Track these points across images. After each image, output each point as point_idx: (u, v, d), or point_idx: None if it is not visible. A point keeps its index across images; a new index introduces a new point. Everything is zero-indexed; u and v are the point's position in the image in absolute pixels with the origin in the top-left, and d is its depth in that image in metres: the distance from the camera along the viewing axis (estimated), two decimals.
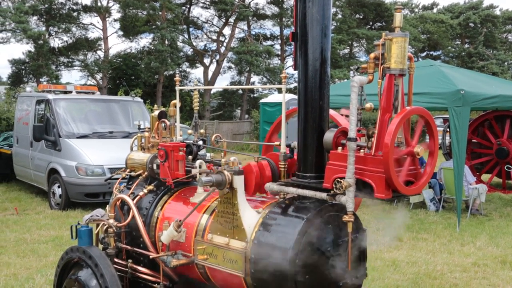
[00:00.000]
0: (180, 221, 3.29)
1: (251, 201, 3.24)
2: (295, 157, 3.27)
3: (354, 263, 2.91)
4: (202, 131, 4.06)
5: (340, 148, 2.81)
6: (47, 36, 29.49)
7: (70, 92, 11.79)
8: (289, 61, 38.36)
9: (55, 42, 31.82)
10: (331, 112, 3.22)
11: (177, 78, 3.92)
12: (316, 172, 2.98)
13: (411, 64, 2.77)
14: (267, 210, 3.09)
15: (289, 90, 26.54)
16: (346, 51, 39.04)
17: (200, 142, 4.04)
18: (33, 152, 11.17)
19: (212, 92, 36.72)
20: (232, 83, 39.01)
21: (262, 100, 17.51)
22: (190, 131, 4.11)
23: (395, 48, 2.62)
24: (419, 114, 2.73)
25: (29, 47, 29.99)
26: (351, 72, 34.73)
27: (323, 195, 2.82)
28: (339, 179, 2.69)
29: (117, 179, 4.24)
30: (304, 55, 2.95)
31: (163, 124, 4.01)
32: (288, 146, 3.35)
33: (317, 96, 2.95)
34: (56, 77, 29.49)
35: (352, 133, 2.62)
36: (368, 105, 2.78)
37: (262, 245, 2.91)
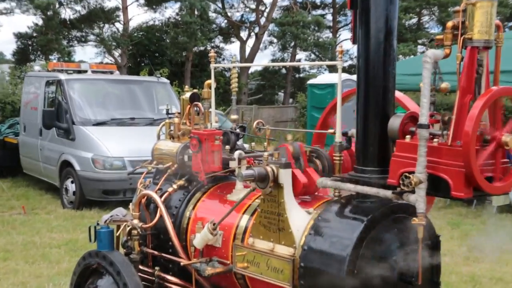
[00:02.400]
0: (215, 222, 3.35)
1: (300, 199, 3.26)
2: (353, 147, 3.28)
3: (424, 276, 2.89)
4: (234, 117, 4.10)
5: (408, 137, 2.80)
6: (57, 6, 30.10)
7: (85, 71, 12.08)
8: (343, 34, 38.04)
9: (66, 13, 32.49)
10: (397, 94, 3.21)
11: (212, 54, 3.97)
12: (379, 165, 2.98)
13: (499, 35, 2.72)
14: (319, 211, 3.11)
15: (343, 69, 26.36)
16: (414, 20, 38.34)
17: (238, 130, 4.10)
18: (43, 142, 11.50)
19: (250, 71, 36.86)
20: (273, 61, 39.00)
21: (310, 81, 17.47)
22: (234, 117, 4.16)
23: (479, 14, 2.58)
24: (508, 96, 2.69)
25: (37, 19, 30.73)
26: (420, 46, 34.14)
27: (388, 193, 2.82)
28: (407, 174, 2.68)
29: (141, 173, 4.34)
30: (365, 25, 2.94)
31: (196, 109, 4.07)
32: (344, 134, 3.36)
33: (380, 75, 2.94)
34: (68, 54, 30.16)
35: (423, 119, 2.60)
36: (443, 85, 2.75)
37: (313, 252, 2.94)
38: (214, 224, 3.35)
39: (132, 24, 33.50)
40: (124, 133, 10.59)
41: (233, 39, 37.55)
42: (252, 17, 36.37)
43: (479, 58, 2.64)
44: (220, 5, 35.41)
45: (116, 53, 32.51)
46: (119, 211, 4.20)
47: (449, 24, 2.66)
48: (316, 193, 3.41)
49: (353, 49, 34.63)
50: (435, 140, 2.69)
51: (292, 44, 34.67)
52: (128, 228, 3.95)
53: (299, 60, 38.73)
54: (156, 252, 3.91)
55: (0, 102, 15.70)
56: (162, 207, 3.80)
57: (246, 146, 4.13)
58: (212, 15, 33.09)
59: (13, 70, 20.70)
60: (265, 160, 3.13)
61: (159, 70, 17.94)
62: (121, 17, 32.61)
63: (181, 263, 3.65)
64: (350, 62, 34.57)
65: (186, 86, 4.58)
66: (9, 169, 13.26)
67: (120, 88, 11.92)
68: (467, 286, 6.45)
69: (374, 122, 2.97)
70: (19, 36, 31.47)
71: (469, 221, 9.53)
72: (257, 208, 3.29)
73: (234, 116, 4.15)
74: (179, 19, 32.42)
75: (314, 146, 3.54)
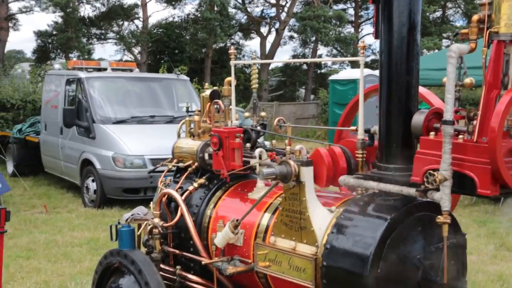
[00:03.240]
0: (237, 220, 3.37)
1: (322, 197, 3.27)
2: (376, 144, 3.27)
3: (450, 275, 2.88)
4: (263, 114, 4.11)
5: (432, 133, 2.79)
6: (76, 3, 30.40)
7: (105, 69, 12.19)
8: (365, 29, 37.81)
9: (86, 11, 32.86)
10: (421, 89, 3.19)
11: (232, 50, 3.97)
12: (402, 162, 2.97)
13: None
14: (342, 209, 3.11)
15: (365, 65, 26.22)
16: (438, 13, 37.97)
17: (259, 128, 4.10)
18: (63, 140, 11.64)
19: (270, 67, 36.88)
20: (294, 57, 38.99)
21: (332, 77, 17.41)
22: (247, 114, 4.17)
23: (507, 7, 2.55)
24: None
25: (56, 17, 31.06)
26: (444, 40, 33.80)
27: (411, 191, 2.81)
28: (431, 172, 2.67)
29: (161, 171, 4.38)
30: (388, 19, 2.93)
31: (216, 106, 4.09)
32: (367, 131, 3.35)
33: (403, 70, 2.93)
34: (88, 52, 30.44)
35: (448, 115, 2.59)
36: (468, 80, 2.73)
37: (335, 251, 2.94)
38: (235, 223, 3.36)
39: (151, 21, 33.75)
40: (144, 131, 10.68)
41: (253, 35, 37.58)
42: (273, 12, 36.39)
43: (505, 52, 2.61)
44: (240, 0, 35.47)
45: (136, 50, 32.75)
46: (140, 210, 4.23)
47: (475, 17, 2.63)
48: (340, 191, 3.41)
49: (376, 44, 34.51)
50: (460, 136, 2.67)
51: (313, 39, 34.56)
52: (149, 227, 3.98)
53: (321, 56, 38.65)
54: (177, 251, 3.94)
55: (21, 101, 15.91)
56: (183, 206, 3.83)
57: (267, 143, 4.12)
58: (231, 10, 33.12)
59: (33, 69, 20.97)
60: (287, 153, 3.15)
61: (178, 67, 18.03)
62: (140, 14, 32.85)
63: (202, 262, 3.67)
64: (372, 57, 34.41)
65: (206, 84, 4.60)
66: (30, 168, 13.43)
67: (139, 85, 12.01)
68: (494, 285, 6.38)
69: (397, 118, 2.96)
70: (39, 34, 31.83)
71: (496, 218, 9.43)
72: (279, 206, 3.30)
73: (263, 113, 4.17)
74: (199, 15, 32.53)
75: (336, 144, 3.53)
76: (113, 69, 12.28)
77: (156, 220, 3.96)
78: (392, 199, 3.01)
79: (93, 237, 8.25)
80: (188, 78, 12.89)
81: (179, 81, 12.33)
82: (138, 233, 4.09)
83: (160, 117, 11.20)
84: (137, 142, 10.23)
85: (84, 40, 31.56)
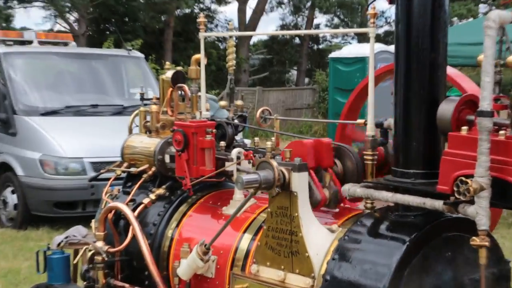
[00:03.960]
0: (205, 246, 3.37)
1: (319, 213, 3.29)
2: (391, 143, 3.31)
3: None
4: (241, 102, 4.12)
5: (465, 128, 2.81)
6: None
7: (30, 42, 12.04)
8: None
9: None
10: (450, 70, 3.23)
11: (201, 19, 3.98)
12: (425, 167, 3.00)
13: None
14: (346, 228, 3.13)
15: (377, 38, 26.32)
16: None
17: (237, 121, 4.13)
18: None
19: (252, 42, 36.85)
20: (283, 28, 38.97)
21: (333, 55, 17.45)
22: (222, 103, 4.18)
23: None
24: None
25: None
26: (482, 5, 34.02)
27: (437, 204, 2.83)
28: (463, 179, 2.68)
29: (107, 179, 4.36)
30: None
31: (180, 93, 4.09)
32: (379, 126, 3.38)
33: (427, 45, 2.96)
34: (6, 19, 30.12)
35: (486, 104, 2.61)
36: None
37: (337, 284, 2.95)
38: (205, 247, 3.37)
39: None
40: (84, 125, 10.61)
41: None
42: None
43: None
44: None
45: (72, 18, 32.45)
46: (77, 231, 4.22)
47: None
48: (342, 205, 3.43)
49: (391, 11, 34.60)
50: (501, 132, 2.69)
51: (309, 4, 34.62)
52: (89, 253, 3.96)
53: (318, 27, 38.70)
54: (127, 285, 3.92)
55: None
56: (135, 225, 3.81)
57: (247, 142, 4.15)
58: None
59: None
60: (268, 152, 3.14)
61: (130, 41, 17.93)
62: None
63: None
64: (386, 28, 34.53)
65: (167, 63, 4.60)
66: None
67: (77, 65, 11.93)
68: None
69: (419, 108, 2.99)
70: None
71: None
72: (263, 224, 3.31)
73: (239, 102, 4.17)
74: None
75: (337, 142, 3.55)
76: (41, 42, 12.14)
77: (99, 244, 3.94)
78: (411, 215, 3.04)
79: (12, 268, 8.14)
80: (143, 55, 12.85)
81: (131, 59, 12.27)
82: (75, 261, 4.08)
83: (105, 106, 11.14)
84: (74, 141, 10.16)
85: (1, 2, 31.23)
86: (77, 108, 11.03)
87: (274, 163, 3.08)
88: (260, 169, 3.12)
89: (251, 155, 3.78)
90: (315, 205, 3.22)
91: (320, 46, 38.68)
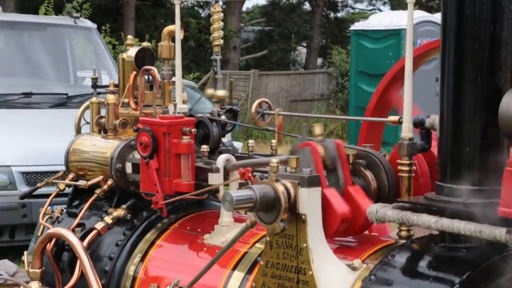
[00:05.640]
0: (182, 287, 3.37)
1: (335, 242, 3.32)
2: (435, 148, 3.31)
3: None
4: (223, 92, 4.15)
5: None
6: None
7: None
8: None
9: None
10: None
11: None
12: (482, 181, 3.00)
13: None
14: (372, 264, 3.14)
15: (417, 3, 26.31)
16: None
17: (224, 117, 4.14)
18: None
19: (245, 8, 36.84)
20: None
21: (356, 26, 17.56)
22: (220, 92, 4.20)
23: None
24: None
25: None
26: None
27: (499, 233, 2.83)
28: None
29: (45, 196, 4.35)
30: None
31: (146, 78, 4.10)
32: (419, 124, 3.38)
33: (486, 14, 2.95)
34: None
35: None
36: None
37: None
38: None
39: None
40: (13, 122, 10.59)
41: None
42: None
43: None
44: None
45: None
46: (2, 266, 4.21)
47: None
48: (367, 232, 3.43)
49: None
50: None
51: None
52: None
53: None
54: None
55: None
56: (84, 259, 3.78)
57: (238, 145, 4.14)
58: None
59: None
60: (273, 172, 3.12)
61: (75, 5, 17.89)
62: None
63: None
64: None
65: (129, 36, 4.59)
66: None
67: (3, 37, 11.90)
68: None
69: (474, 101, 3.00)
70: None
71: None
72: (259, 259, 3.32)
73: (220, 92, 4.18)
74: None
75: (363, 145, 3.54)
76: None
77: (35, 285, 3.93)
78: (462, 247, 3.05)
79: None
80: (95, 25, 12.80)
81: (78, 31, 12.26)
82: None
83: (42, 96, 11.15)
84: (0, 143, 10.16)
85: None
86: (4, 98, 11.00)
87: (281, 187, 3.08)
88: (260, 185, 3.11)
89: (250, 173, 3.72)
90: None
91: (339, 14, 38.74)
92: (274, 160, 3.17)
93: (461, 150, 3.04)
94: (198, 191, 3.76)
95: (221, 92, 4.19)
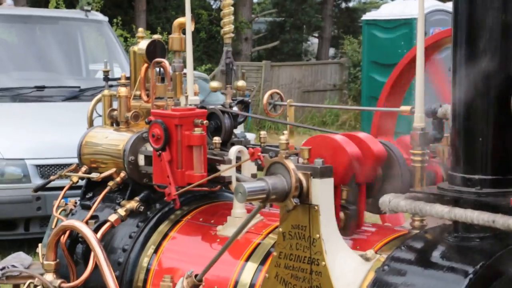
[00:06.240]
0: (196, 275, 3.38)
1: (351, 234, 3.32)
2: (447, 138, 3.31)
3: None
4: (242, 83, 4.17)
5: None
6: None
7: None
8: None
9: None
10: None
11: None
12: (496, 171, 3.01)
13: None
14: (385, 255, 3.15)
15: None
16: None
17: (236, 108, 4.16)
18: None
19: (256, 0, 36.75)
20: None
21: (368, 16, 17.48)
22: (215, 84, 4.21)
23: None
24: None
25: None
26: None
27: None
28: None
29: (59, 188, 4.39)
30: None
31: (157, 70, 4.11)
32: (431, 114, 3.41)
33: (498, 4, 2.95)
34: None
35: None
36: None
37: None
38: (194, 280, 3.38)
39: None
40: (26, 115, 10.64)
41: None
42: None
43: None
44: None
45: None
46: (17, 259, 4.22)
47: None
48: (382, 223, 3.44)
49: None
50: None
51: None
52: None
53: None
54: None
55: None
56: (98, 251, 3.79)
57: (251, 136, 4.14)
58: None
59: None
60: (282, 149, 3.15)
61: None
62: None
63: None
64: None
65: (140, 29, 4.61)
66: None
67: (16, 31, 11.90)
68: None
69: (487, 90, 2.99)
70: None
71: None
72: (272, 250, 3.34)
73: (239, 82, 4.20)
74: None
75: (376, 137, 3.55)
76: None
77: (49, 277, 3.94)
78: (476, 238, 3.05)
79: None
80: (106, 18, 12.81)
81: (90, 24, 12.24)
82: None
83: (55, 89, 11.17)
84: (12, 136, 10.20)
85: None
86: (17, 92, 11.04)
87: (291, 164, 3.10)
88: (269, 174, 3.13)
89: (259, 153, 3.70)
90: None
91: (351, 4, 38.58)
92: (283, 138, 3.19)
93: (474, 140, 3.03)
94: (208, 178, 3.75)
95: (240, 83, 4.21)
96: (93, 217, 4.07)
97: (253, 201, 3.17)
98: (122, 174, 4.08)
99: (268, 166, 3.17)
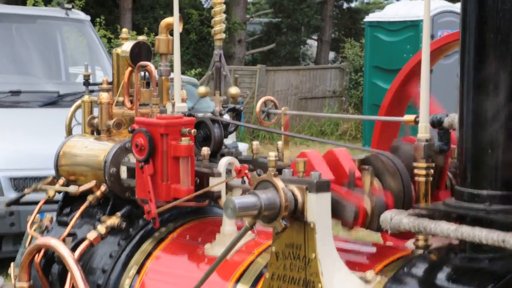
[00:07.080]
0: None
1: (345, 253, 3.30)
2: (454, 149, 3.32)
3: None
4: (235, 90, 4.13)
5: None
6: None
7: None
8: None
9: None
10: None
11: None
12: (507, 186, 2.96)
13: None
14: (387, 277, 3.10)
15: None
16: None
17: (227, 116, 4.15)
18: None
19: None
20: None
21: (371, 18, 17.59)
22: (202, 90, 4.15)
23: None
24: None
25: None
26: None
27: None
28: None
29: (34, 203, 4.32)
30: None
31: (142, 74, 4.07)
32: (437, 124, 3.36)
33: (509, 6, 2.89)
34: None
35: None
36: None
37: None
38: None
39: None
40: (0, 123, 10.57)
41: None
42: None
43: None
44: None
45: None
46: None
47: None
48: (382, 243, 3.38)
49: None
50: None
51: None
52: None
53: None
54: None
55: None
56: (75, 271, 3.74)
57: (243, 147, 4.09)
58: None
59: None
60: (271, 167, 3.08)
61: None
62: None
63: None
64: None
65: (124, 30, 4.57)
66: None
67: None
68: None
69: (497, 97, 2.93)
70: None
71: None
72: (265, 271, 3.29)
73: (233, 89, 4.16)
74: None
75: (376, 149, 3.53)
76: None
77: None
78: (485, 259, 3.00)
79: None
80: (89, 17, 12.89)
81: (70, 23, 12.33)
82: None
83: (31, 94, 11.18)
84: None
85: None
86: None
87: (280, 183, 3.02)
88: (260, 189, 3.06)
89: (246, 171, 3.69)
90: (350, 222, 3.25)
91: (352, 5, 38.94)
92: (272, 154, 3.15)
93: (482, 152, 2.99)
94: (195, 193, 3.69)
95: (233, 90, 4.19)
96: (70, 234, 4.02)
97: (244, 217, 3.10)
98: (103, 187, 4.02)
99: (255, 186, 3.11)
